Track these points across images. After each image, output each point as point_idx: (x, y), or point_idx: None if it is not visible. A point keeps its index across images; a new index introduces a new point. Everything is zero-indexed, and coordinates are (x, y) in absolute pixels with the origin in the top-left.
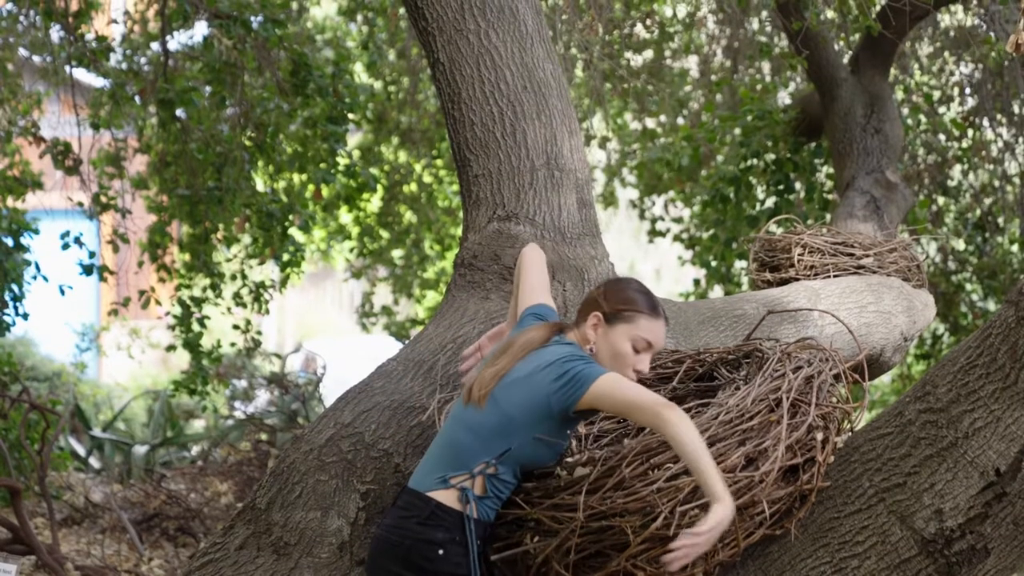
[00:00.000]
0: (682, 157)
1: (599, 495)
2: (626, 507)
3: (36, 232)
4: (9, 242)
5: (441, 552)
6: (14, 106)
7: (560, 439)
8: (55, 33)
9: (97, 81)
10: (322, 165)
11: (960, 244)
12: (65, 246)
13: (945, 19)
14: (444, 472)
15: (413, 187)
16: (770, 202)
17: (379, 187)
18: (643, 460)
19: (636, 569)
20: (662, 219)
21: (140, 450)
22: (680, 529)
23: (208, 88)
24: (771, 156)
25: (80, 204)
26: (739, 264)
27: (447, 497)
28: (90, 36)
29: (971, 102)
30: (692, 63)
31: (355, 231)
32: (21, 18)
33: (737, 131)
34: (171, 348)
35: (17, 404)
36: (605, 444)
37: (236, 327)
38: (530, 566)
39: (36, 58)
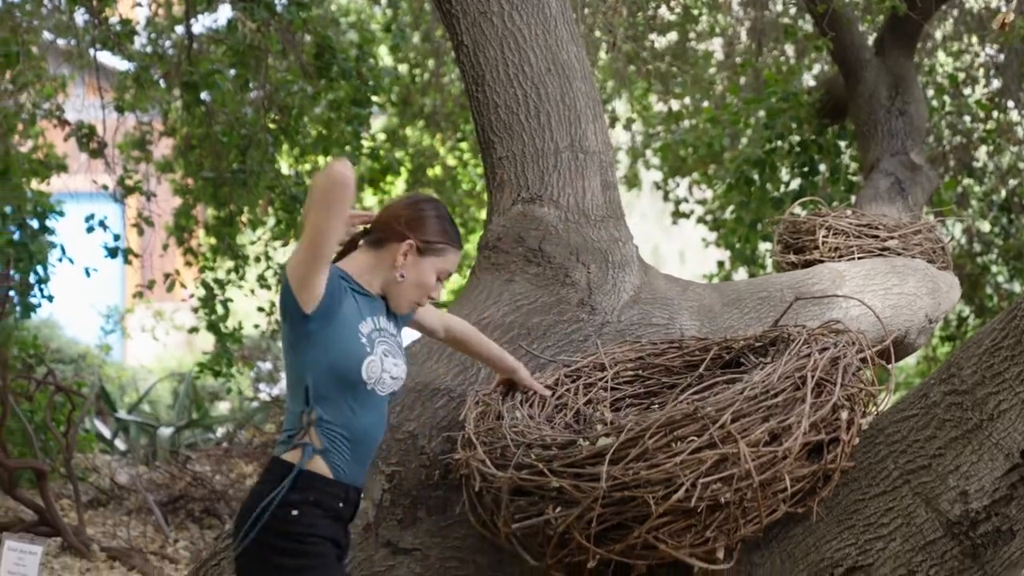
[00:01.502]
0: (718, 140)
1: (621, 465)
2: (648, 478)
3: (61, 215)
4: (35, 224)
5: (295, 513)
6: (39, 89)
7: (334, 342)
8: (79, 16)
9: (122, 64)
10: (346, 148)
11: (985, 226)
12: (90, 229)
13: (970, 0)
14: (288, 432)
15: (437, 170)
16: (795, 184)
17: (403, 170)
18: (666, 432)
19: (658, 541)
20: (686, 201)
21: (165, 432)
22: (702, 501)
23: (232, 71)
24: (796, 138)
25: (105, 187)
26: (764, 246)
27: (294, 456)
28: (114, 19)
29: (996, 83)
30: (716, 45)
31: None
32: (46, 1)
33: (761, 113)
34: (194, 330)
35: (43, 386)
36: (629, 415)
37: (260, 309)
38: (551, 536)
39: (61, 41)
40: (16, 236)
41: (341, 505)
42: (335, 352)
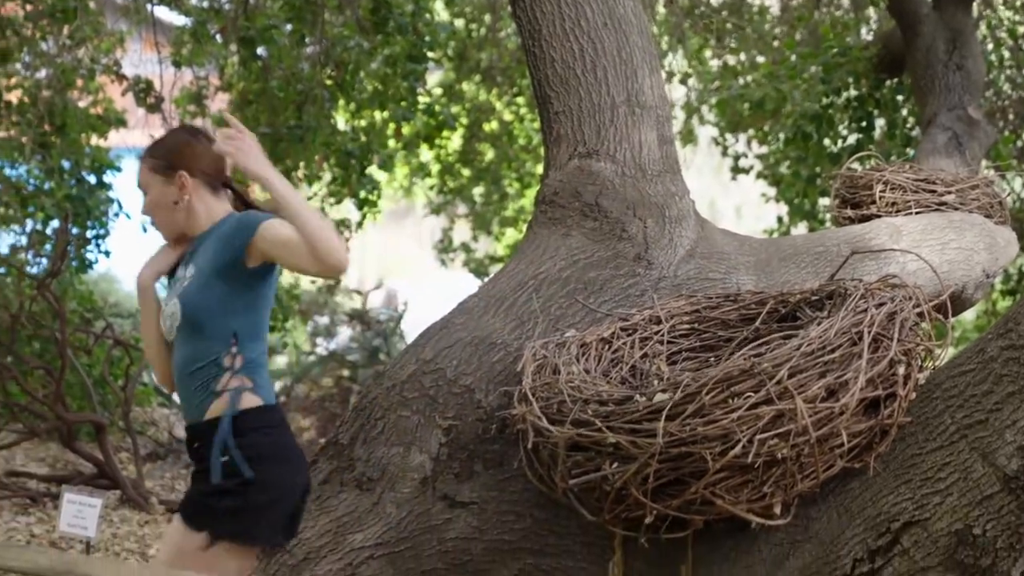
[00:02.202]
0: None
1: (678, 421)
2: (705, 434)
3: (119, 170)
4: (92, 180)
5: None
6: (97, 45)
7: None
8: None
9: (178, 19)
10: (402, 103)
11: None
12: None
13: None
14: None
15: (494, 125)
16: (852, 139)
17: (459, 125)
18: (723, 388)
19: (714, 496)
20: (745, 156)
21: None
22: (759, 457)
23: (289, 26)
24: (853, 93)
25: None
26: (822, 201)
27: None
28: None
29: None
30: (773, 0)
31: (436, 169)
32: None
33: (817, 68)
34: None
35: (101, 340)
36: (685, 369)
37: None
38: (608, 492)
39: None
40: (74, 191)
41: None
42: None
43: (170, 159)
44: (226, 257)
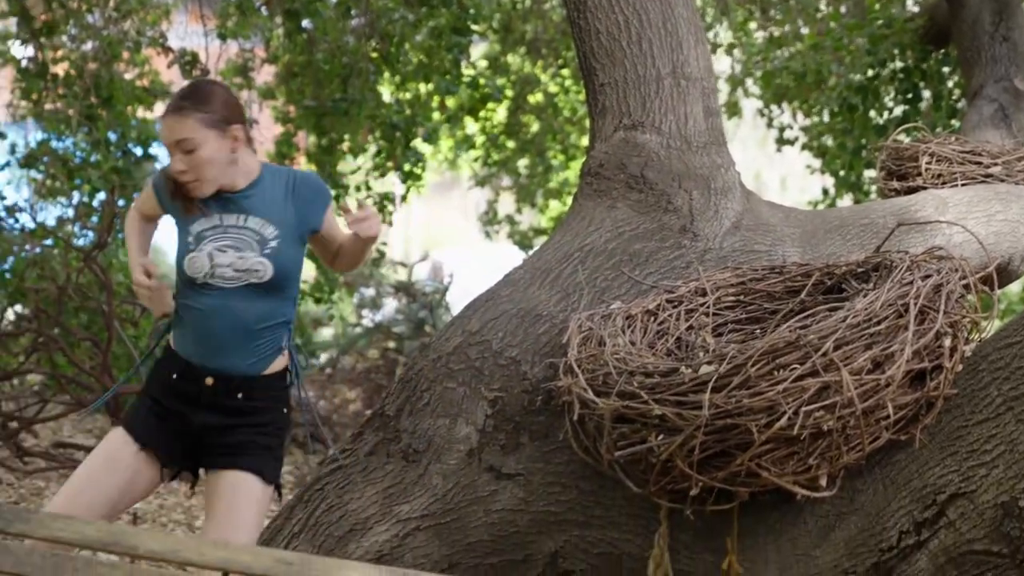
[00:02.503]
0: (825, 67)
1: (724, 393)
2: (751, 406)
3: None
4: (138, 152)
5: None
6: (142, 17)
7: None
8: None
9: None
10: (447, 76)
11: None
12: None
13: None
14: None
15: (539, 97)
16: (898, 111)
17: (504, 97)
18: (769, 360)
19: (760, 469)
20: (790, 127)
21: None
22: (804, 429)
23: None
24: (899, 64)
25: None
26: (867, 173)
27: None
28: None
29: None
30: None
31: (480, 141)
32: None
33: (862, 40)
34: None
35: (147, 312)
36: (731, 342)
37: None
38: (653, 464)
39: None
40: (120, 163)
41: (175, 376)
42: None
43: (226, 112)
44: (311, 221)
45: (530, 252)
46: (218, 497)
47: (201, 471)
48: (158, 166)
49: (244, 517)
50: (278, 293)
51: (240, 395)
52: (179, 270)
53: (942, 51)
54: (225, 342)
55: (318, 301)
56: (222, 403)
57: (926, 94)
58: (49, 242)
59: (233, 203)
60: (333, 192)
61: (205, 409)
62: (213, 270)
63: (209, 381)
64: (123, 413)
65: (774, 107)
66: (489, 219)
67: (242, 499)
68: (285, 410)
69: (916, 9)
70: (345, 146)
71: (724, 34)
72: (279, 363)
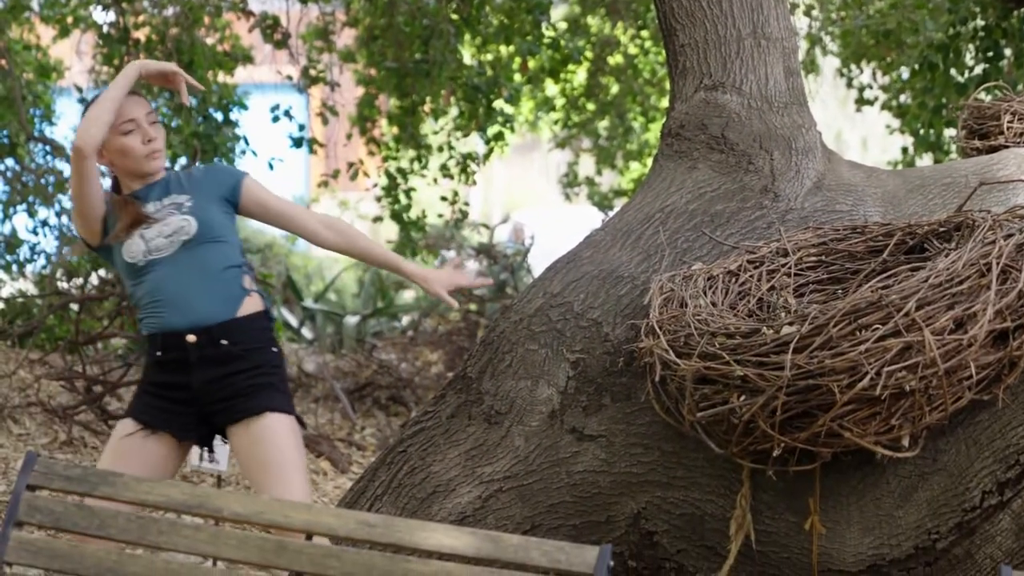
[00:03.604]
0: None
1: (806, 354)
2: (833, 367)
3: (246, 107)
4: (219, 117)
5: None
6: None
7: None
8: None
9: None
10: (527, 38)
11: None
12: (275, 119)
13: None
14: None
15: (619, 58)
16: (979, 69)
17: (584, 59)
18: (851, 320)
19: (842, 429)
20: (870, 87)
21: (351, 321)
22: (887, 389)
23: None
24: (980, 23)
25: (289, 78)
26: (948, 132)
27: None
28: None
29: None
30: None
31: (561, 103)
32: None
33: None
34: (378, 219)
35: None
36: (812, 302)
37: (444, 198)
38: (735, 425)
39: None
40: (201, 128)
41: (159, 353)
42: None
43: None
44: (221, 190)
45: (610, 213)
46: (252, 448)
47: (218, 443)
48: (238, 131)
49: (286, 456)
50: (214, 244)
51: (224, 342)
52: (123, 272)
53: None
54: (185, 297)
55: None
56: (210, 355)
57: (1007, 52)
58: None
59: (159, 188)
60: (414, 153)
61: (197, 367)
62: (147, 244)
63: (191, 338)
64: (127, 407)
65: (854, 66)
66: (569, 181)
67: (274, 440)
68: (274, 349)
69: None
70: (426, 108)
71: None
72: (250, 305)
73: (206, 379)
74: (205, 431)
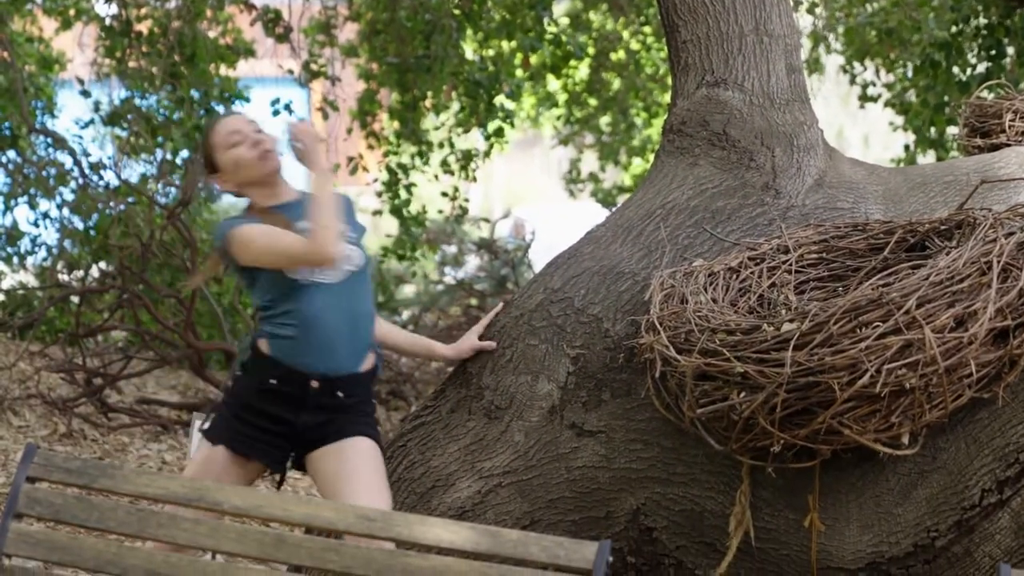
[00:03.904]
0: (923, 22)
1: (806, 351)
2: (833, 364)
3: (247, 100)
4: (221, 110)
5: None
6: None
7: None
8: None
9: None
10: (530, 33)
11: None
12: (276, 113)
13: None
14: None
15: (621, 54)
16: (981, 67)
17: (586, 55)
18: (851, 318)
19: (842, 426)
20: (873, 84)
21: None
22: (887, 387)
23: None
24: (982, 21)
25: (290, 71)
26: (950, 130)
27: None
28: None
29: None
30: None
31: (563, 98)
32: None
33: None
34: (378, 213)
35: (231, 270)
36: (813, 299)
37: (444, 194)
38: (735, 421)
39: None
40: (203, 121)
41: (273, 381)
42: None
43: None
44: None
45: (613, 209)
46: (339, 464)
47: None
48: None
49: (373, 473)
50: (364, 283)
51: (340, 393)
52: (269, 284)
53: None
54: (333, 342)
55: (400, 258)
56: (324, 402)
57: (1010, 50)
58: (133, 199)
59: (299, 208)
60: (415, 148)
61: (308, 410)
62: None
63: (315, 384)
64: (208, 428)
65: (857, 64)
66: (572, 177)
67: (363, 457)
68: (373, 400)
69: None
70: (428, 103)
71: None
72: (369, 361)
73: (312, 422)
74: (284, 459)
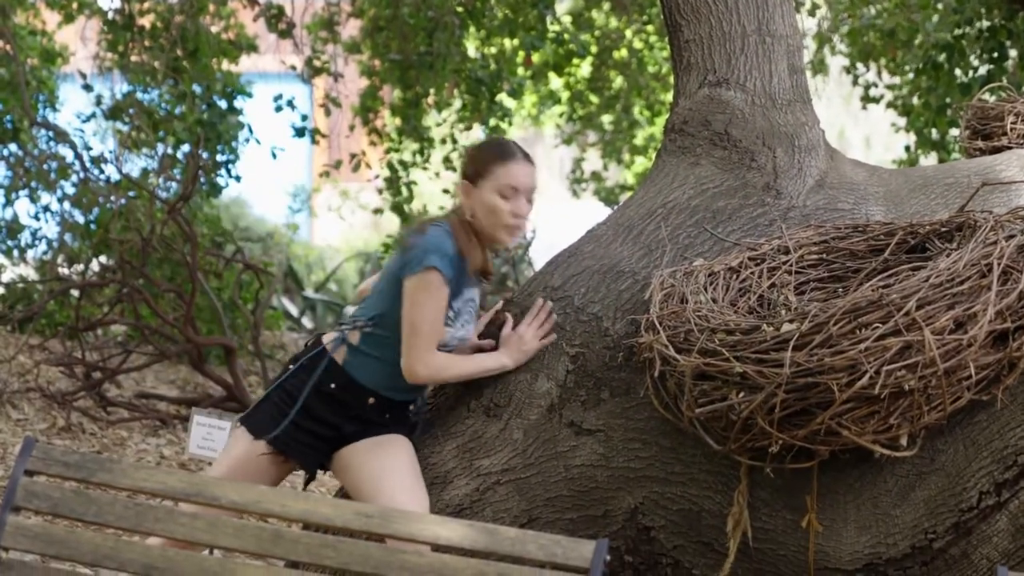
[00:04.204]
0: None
1: (805, 352)
2: (832, 365)
3: (250, 95)
4: (223, 105)
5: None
6: None
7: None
8: None
9: None
10: (532, 31)
11: None
12: (278, 109)
13: None
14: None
15: (623, 53)
16: (983, 70)
17: (589, 53)
18: (851, 319)
19: (841, 427)
20: (875, 85)
21: (352, 310)
22: (886, 388)
23: None
24: (985, 23)
25: (293, 67)
26: (952, 132)
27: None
28: None
29: None
30: None
31: (565, 96)
32: None
33: None
34: (379, 211)
35: (231, 264)
36: (813, 300)
37: (446, 191)
38: (734, 421)
39: None
40: (205, 116)
41: (333, 386)
42: None
43: None
44: None
45: (615, 208)
46: (371, 458)
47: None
48: (242, 119)
49: (408, 464)
50: None
51: (388, 416)
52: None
53: None
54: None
55: None
56: (374, 419)
57: (1012, 53)
58: (134, 194)
59: (475, 286)
60: (417, 145)
61: (358, 421)
62: (455, 333)
63: (371, 401)
64: (249, 419)
65: (860, 65)
66: (576, 177)
67: (399, 448)
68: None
69: None
70: (430, 100)
71: None
72: (421, 399)
73: (356, 431)
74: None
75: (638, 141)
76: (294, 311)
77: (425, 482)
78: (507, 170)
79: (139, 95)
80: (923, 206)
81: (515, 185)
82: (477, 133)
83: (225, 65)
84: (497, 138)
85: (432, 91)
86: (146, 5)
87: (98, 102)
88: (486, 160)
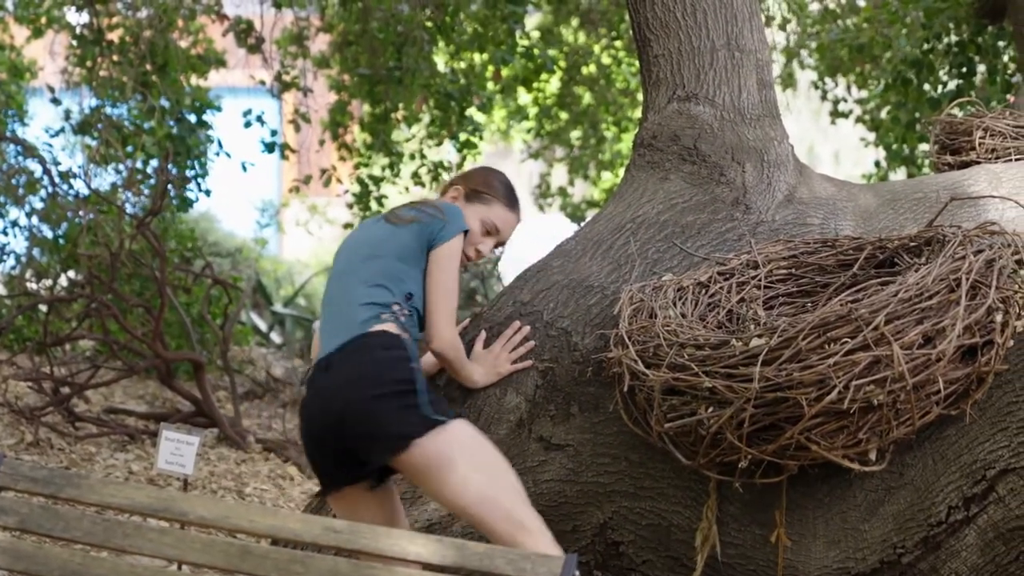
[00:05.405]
0: (894, 36)
1: (774, 366)
2: (801, 379)
3: (219, 109)
4: (192, 119)
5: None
6: None
7: None
8: None
9: None
10: (501, 46)
11: None
12: (247, 124)
13: None
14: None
15: (592, 68)
16: (952, 85)
17: (557, 68)
18: (820, 333)
19: (810, 442)
20: (844, 100)
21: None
22: (855, 403)
23: None
24: (954, 38)
25: (262, 82)
26: (921, 147)
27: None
28: None
29: None
30: None
31: (533, 112)
32: None
33: (918, 13)
34: (348, 226)
35: (200, 279)
36: (782, 314)
37: None
38: (703, 436)
39: None
40: (174, 130)
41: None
42: None
43: None
44: None
45: (582, 224)
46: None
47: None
48: (211, 134)
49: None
50: None
51: None
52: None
53: (998, 25)
54: None
55: None
56: None
57: (981, 68)
58: (102, 208)
59: None
60: (386, 160)
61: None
62: None
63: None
64: (437, 404)
65: (829, 80)
66: (542, 192)
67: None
68: None
69: None
70: (399, 115)
71: (779, 6)
72: None
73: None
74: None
75: (605, 156)
76: (263, 326)
77: (408, 498)
78: (504, 214)
79: (108, 110)
80: (892, 221)
81: (500, 229)
82: (447, 147)
83: (194, 80)
84: (510, 183)
85: (401, 106)
86: (115, 20)
87: (67, 117)
88: (494, 193)
